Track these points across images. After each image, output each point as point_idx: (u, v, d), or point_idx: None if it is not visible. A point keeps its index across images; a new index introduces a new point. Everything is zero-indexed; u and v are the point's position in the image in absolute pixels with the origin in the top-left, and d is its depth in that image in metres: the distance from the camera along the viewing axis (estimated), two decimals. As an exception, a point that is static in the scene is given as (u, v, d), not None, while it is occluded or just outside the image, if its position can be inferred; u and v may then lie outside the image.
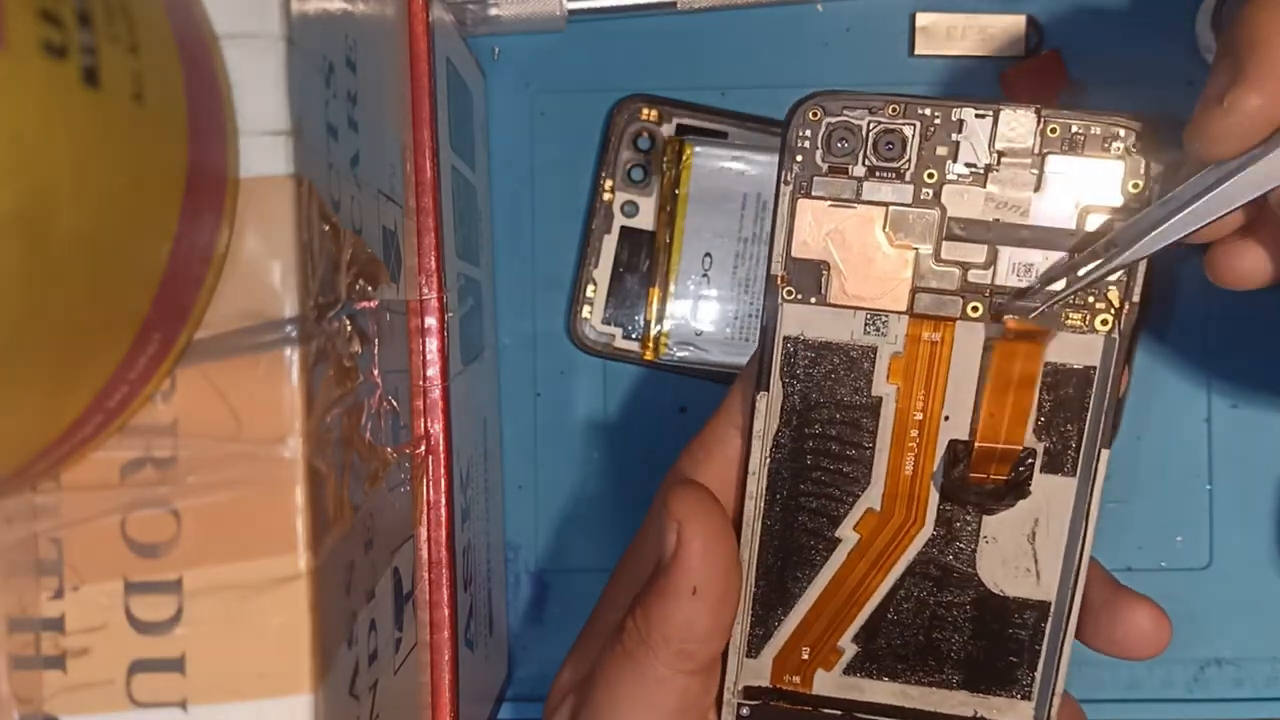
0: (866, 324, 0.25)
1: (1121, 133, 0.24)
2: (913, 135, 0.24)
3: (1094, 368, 0.24)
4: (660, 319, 0.38)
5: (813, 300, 0.24)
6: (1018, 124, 0.24)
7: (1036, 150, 0.24)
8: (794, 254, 0.24)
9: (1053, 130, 0.24)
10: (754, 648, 0.26)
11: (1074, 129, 0.24)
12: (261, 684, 0.20)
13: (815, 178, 0.24)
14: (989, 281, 0.24)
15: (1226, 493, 0.39)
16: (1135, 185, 0.24)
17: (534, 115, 0.39)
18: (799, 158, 0.24)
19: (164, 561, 0.20)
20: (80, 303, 0.17)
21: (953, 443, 0.25)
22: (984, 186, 0.24)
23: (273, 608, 0.20)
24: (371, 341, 0.25)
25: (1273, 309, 0.38)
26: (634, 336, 0.39)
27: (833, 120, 0.24)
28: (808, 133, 0.24)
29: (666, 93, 0.38)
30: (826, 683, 0.27)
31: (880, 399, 0.25)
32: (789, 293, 0.24)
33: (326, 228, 0.22)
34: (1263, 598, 0.39)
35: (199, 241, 0.19)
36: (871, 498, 0.25)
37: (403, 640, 0.27)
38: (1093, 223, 0.24)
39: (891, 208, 0.24)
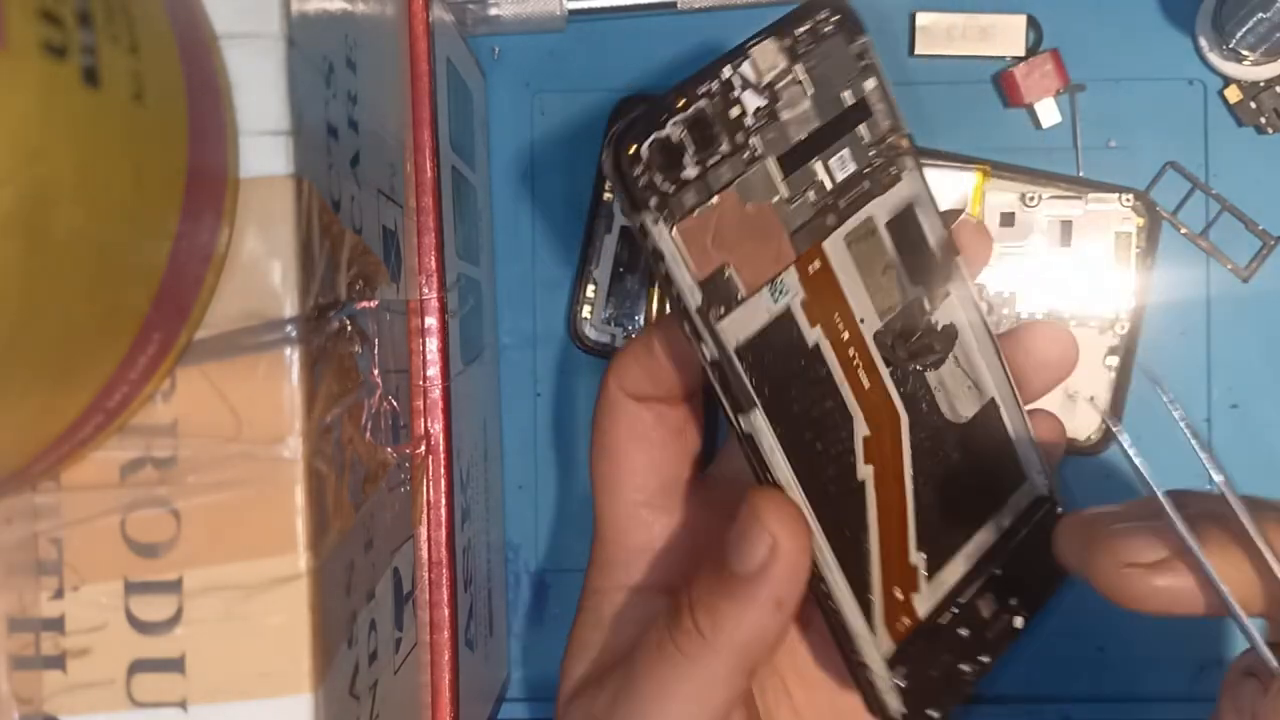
0: (771, 293, 0.25)
1: (821, 15, 0.26)
2: (710, 113, 0.24)
3: (912, 199, 0.27)
4: (660, 319, 0.38)
5: (736, 303, 0.25)
6: (765, 55, 0.25)
7: (789, 66, 0.25)
8: (700, 278, 0.24)
9: (786, 45, 0.25)
10: (872, 626, 0.27)
11: (791, 37, 0.25)
12: (261, 684, 0.20)
13: (671, 201, 0.24)
14: (830, 187, 0.26)
15: (1226, 493, 0.38)
16: (861, 49, 0.26)
17: (534, 115, 0.39)
18: (652, 198, 0.23)
19: (164, 561, 0.20)
20: (80, 303, 0.17)
21: (877, 334, 0.27)
22: (779, 118, 0.25)
23: (273, 608, 0.20)
24: (371, 341, 0.25)
25: (1273, 310, 0.38)
26: (634, 336, 0.39)
27: (646, 148, 0.23)
28: (640, 169, 0.23)
29: (666, 93, 0.38)
30: (924, 600, 0.28)
31: (816, 344, 0.26)
32: (717, 314, 0.24)
33: (326, 228, 0.22)
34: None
35: (199, 241, 0.19)
36: (861, 428, 0.26)
37: (403, 640, 0.27)
38: (863, 88, 0.26)
39: (736, 182, 0.25)
